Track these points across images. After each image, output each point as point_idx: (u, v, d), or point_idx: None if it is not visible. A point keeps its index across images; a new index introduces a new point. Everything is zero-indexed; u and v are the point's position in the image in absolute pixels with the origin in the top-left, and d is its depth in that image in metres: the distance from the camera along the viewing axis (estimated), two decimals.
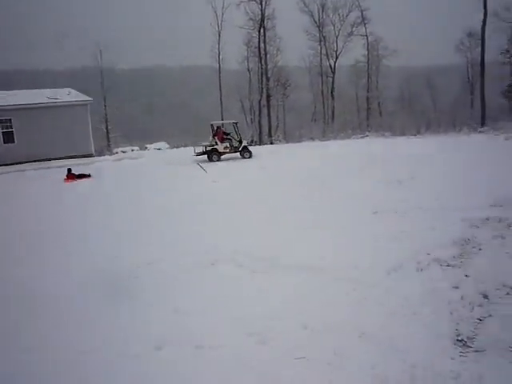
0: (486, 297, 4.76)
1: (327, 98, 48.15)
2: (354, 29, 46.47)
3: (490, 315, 4.40)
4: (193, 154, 21.69)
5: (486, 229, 6.99)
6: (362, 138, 31.59)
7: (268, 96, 43.52)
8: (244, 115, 50.24)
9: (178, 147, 33.91)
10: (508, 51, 39.43)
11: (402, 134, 34.23)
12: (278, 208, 10.03)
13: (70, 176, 17.77)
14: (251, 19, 42.64)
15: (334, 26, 46.59)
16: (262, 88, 43.42)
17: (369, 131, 35.18)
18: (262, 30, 42.42)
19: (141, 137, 47.59)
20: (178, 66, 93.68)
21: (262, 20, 42.09)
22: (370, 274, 5.60)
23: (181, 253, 7.20)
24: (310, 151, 22.17)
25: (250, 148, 22.87)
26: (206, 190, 13.39)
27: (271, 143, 38.86)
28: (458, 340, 4.02)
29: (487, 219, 7.45)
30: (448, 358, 3.74)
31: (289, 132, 47.17)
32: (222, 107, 45.73)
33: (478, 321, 4.31)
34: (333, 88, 47.33)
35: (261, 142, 41.30)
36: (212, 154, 21.58)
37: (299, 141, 35.15)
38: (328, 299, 5.04)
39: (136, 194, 13.31)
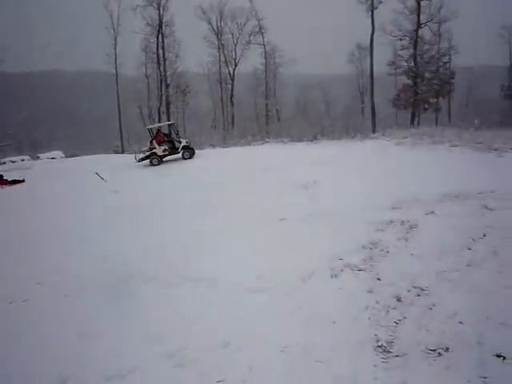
0: (399, 299, 4.87)
1: (227, 105, 48.49)
2: (251, 37, 47.22)
3: (405, 317, 4.51)
4: (134, 160, 21.19)
5: (391, 231, 7.24)
6: (262, 144, 31.90)
7: (168, 103, 42.82)
8: (143, 122, 49.03)
9: (74, 156, 32.04)
10: (394, 63, 42.24)
11: (300, 139, 35.24)
12: (179, 219, 9.80)
13: (2, 182, 17.52)
14: (149, 24, 41.72)
15: (232, 34, 47.04)
16: (162, 95, 42.61)
17: (268, 137, 35.75)
18: (160, 36, 41.65)
19: (33, 145, 44.69)
20: (75, 70, 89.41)
21: (160, 26, 41.32)
22: (284, 284, 5.51)
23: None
24: (212, 158, 21.88)
25: None
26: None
27: None
28: (378, 346, 4.05)
29: (391, 222, 7.72)
30: (371, 366, 3.74)
31: (189, 139, 46.66)
32: (120, 114, 44.29)
33: (395, 324, 4.39)
34: (232, 95, 47.72)
35: None
36: (152, 159, 21.08)
37: (200, 148, 34.86)
38: (241, 313, 4.86)
39: None
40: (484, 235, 6.52)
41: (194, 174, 16.90)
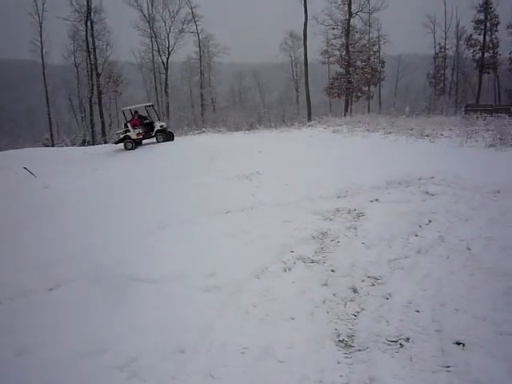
0: (355, 290, 4.83)
1: (161, 95, 47.52)
2: (184, 26, 46.38)
3: (363, 309, 4.46)
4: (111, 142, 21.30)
5: (339, 220, 7.22)
6: (199, 134, 31.47)
7: (99, 93, 41.26)
8: (73, 113, 47.19)
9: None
10: (327, 52, 42.88)
11: (237, 129, 35.11)
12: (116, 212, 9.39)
13: None
14: (77, 11, 39.90)
15: (164, 22, 45.95)
16: (93, 84, 41.00)
17: (205, 127, 35.36)
18: (89, 23, 39.96)
19: None
20: None
21: (89, 12, 39.64)
22: (236, 281, 5.24)
23: None
24: (146, 150, 20.98)
25: None
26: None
27: (105, 142, 36.95)
28: (339, 341, 3.97)
29: (337, 211, 7.71)
30: (335, 363, 3.65)
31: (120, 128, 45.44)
32: (48, 105, 42.22)
33: (354, 317, 4.33)
34: (166, 85, 46.75)
35: (94, 142, 39.08)
36: (126, 142, 20.52)
37: None
38: (193, 314, 4.60)
39: None
40: (429, 221, 6.66)
41: (133, 164, 16.37)
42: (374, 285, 4.93)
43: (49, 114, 42.54)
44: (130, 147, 20.55)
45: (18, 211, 10.54)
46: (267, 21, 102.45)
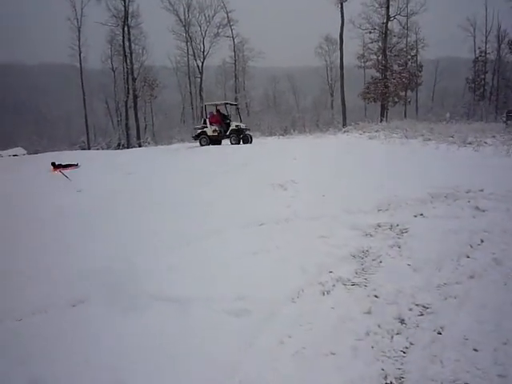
0: (402, 321, 4.30)
1: (196, 99, 47.70)
2: (220, 30, 46.52)
3: (412, 344, 3.94)
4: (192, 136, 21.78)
5: (381, 237, 6.66)
6: None
7: (135, 97, 41.61)
8: (110, 117, 47.88)
9: (36, 153, 30.44)
10: (363, 56, 42.14)
11: (271, 133, 34.77)
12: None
13: (57, 166, 16.72)
14: (114, 16, 40.50)
15: (200, 26, 46.21)
16: (129, 88, 41.46)
17: None
18: (126, 28, 40.45)
19: None
20: (37, 63, 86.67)
21: (126, 17, 40.14)
22: (269, 305, 4.73)
23: None
24: (173, 156, 19.65)
25: None
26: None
27: (139, 146, 37.17)
28: None
29: (379, 226, 7.15)
30: None
31: (158, 133, 45.80)
32: (85, 108, 42.88)
33: (402, 354, 3.81)
34: (201, 88, 46.92)
35: (128, 146, 39.39)
36: (201, 139, 20.39)
37: (169, 142, 34.12)
38: (219, 345, 4.09)
39: None
40: (482, 241, 6.06)
41: (158, 171, 16.06)
42: (422, 314, 4.40)
43: (86, 118, 43.15)
44: (204, 143, 20.27)
45: (46, 216, 10.34)
46: (302, 25, 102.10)
